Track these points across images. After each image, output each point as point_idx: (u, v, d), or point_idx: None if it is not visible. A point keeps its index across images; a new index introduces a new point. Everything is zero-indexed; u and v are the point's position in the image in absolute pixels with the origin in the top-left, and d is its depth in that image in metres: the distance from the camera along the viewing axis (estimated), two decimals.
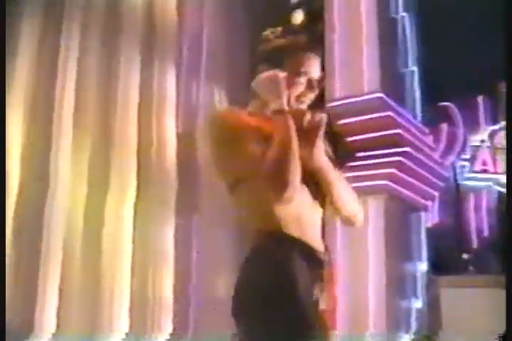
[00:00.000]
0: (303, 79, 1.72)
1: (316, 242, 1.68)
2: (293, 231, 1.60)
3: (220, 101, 5.83)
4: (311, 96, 1.76)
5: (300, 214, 1.64)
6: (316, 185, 1.68)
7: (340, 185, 1.73)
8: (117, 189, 5.25)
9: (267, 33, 1.89)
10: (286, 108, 1.62)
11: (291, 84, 1.69)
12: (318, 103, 6.16)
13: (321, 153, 1.67)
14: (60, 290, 5.29)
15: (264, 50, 1.80)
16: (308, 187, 1.67)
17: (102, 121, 5.33)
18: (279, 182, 1.52)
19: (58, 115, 5.33)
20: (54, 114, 5.35)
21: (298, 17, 7.21)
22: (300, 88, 1.73)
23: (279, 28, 1.90)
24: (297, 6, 7.51)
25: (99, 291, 5.21)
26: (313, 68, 1.75)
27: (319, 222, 1.74)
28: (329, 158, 1.74)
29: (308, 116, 1.67)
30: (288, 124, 1.59)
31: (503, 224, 9.06)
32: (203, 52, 6.25)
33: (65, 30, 5.50)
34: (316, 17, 7.18)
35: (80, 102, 5.36)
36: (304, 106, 1.74)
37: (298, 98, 1.72)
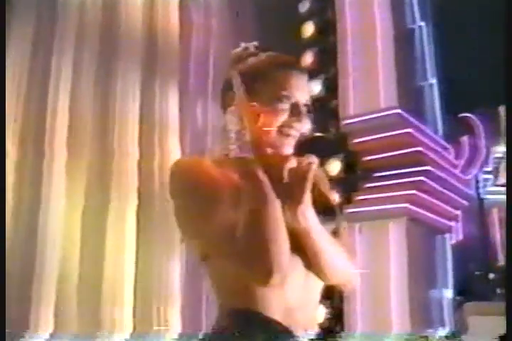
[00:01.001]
0: (285, 105, 1.33)
1: (309, 326, 1.30)
2: (275, 314, 1.23)
3: None
4: (298, 127, 1.34)
5: (288, 295, 1.26)
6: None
7: (331, 250, 1.32)
8: (117, 218, 4.96)
9: (239, 50, 1.47)
10: (247, 154, 1.23)
11: (269, 112, 1.31)
12: (331, 121, 5.80)
13: (309, 212, 1.26)
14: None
15: (235, 71, 1.41)
16: (299, 252, 1.28)
17: (99, 146, 5.05)
18: (259, 269, 1.15)
19: (50, 140, 5.04)
20: (46, 137, 5.07)
21: (308, 29, 6.86)
22: (282, 117, 1.32)
23: (254, 43, 1.49)
24: (308, 17, 7.18)
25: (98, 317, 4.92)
26: (299, 90, 1.36)
27: (317, 297, 1.36)
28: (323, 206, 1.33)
29: (291, 163, 1.29)
30: (258, 179, 1.21)
31: None
32: (209, 71, 5.95)
33: (56, 49, 5.21)
34: (328, 28, 6.84)
35: (75, 125, 5.07)
36: (290, 141, 1.34)
37: (281, 130, 1.33)
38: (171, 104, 5.33)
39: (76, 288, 5.03)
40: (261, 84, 1.34)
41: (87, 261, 5.05)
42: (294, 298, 1.26)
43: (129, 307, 5.08)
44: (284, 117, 1.32)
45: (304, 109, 1.35)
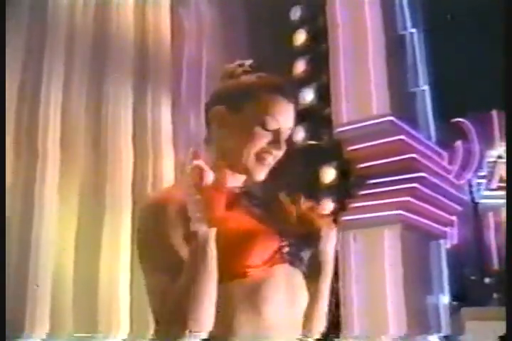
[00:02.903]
0: (267, 132, 1.29)
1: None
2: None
3: None
4: (275, 154, 1.31)
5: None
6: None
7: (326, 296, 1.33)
8: (111, 229, 4.92)
9: (233, 65, 1.43)
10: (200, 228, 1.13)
11: (249, 136, 1.28)
12: (324, 129, 5.80)
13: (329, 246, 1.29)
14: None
15: (224, 86, 1.38)
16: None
17: (92, 155, 5.03)
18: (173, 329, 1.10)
19: (43, 150, 5.01)
20: (38, 148, 5.04)
21: (300, 37, 6.88)
22: (261, 142, 1.29)
23: (250, 61, 1.44)
24: (299, 25, 7.19)
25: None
26: (284, 117, 1.32)
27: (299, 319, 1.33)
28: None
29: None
30: (205, 255, 1.12)
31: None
32: (202, 79, 5.94)
33: (47, 58, 5.17)
34: (319, 36, 6.86)
35: (67, 135, 5.04)
36: (265, 168, 1.31)
37: (259, 156, 1.30)
38: (164, 112, 5.31)
39: (72, 296, 5.00)
40: (246, 104, 1.31)
41: (82, 269, 5.02)
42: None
43: (125, 314, 5.05)
44: (263, 142, 1.29)
45: (284, 137, 1.31)
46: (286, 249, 1.23)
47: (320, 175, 5.76)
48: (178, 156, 5.35)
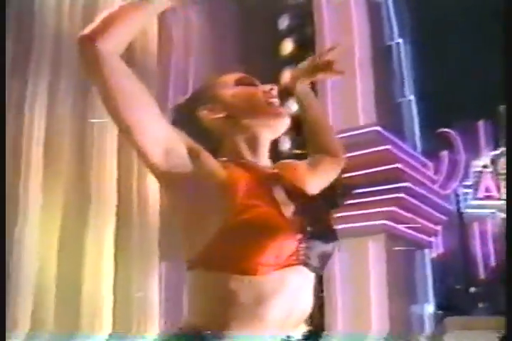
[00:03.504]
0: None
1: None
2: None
3: None
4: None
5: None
6: None
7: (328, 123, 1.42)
8: (96, 227, 4.85)
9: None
10: None
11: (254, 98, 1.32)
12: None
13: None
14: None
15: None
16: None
17: (76, 170, 4.98)
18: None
19: (27, 161, 4.96)
20: (22, 160, 4.99)
21: (287, 46, 6.91)
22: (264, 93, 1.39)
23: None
24: (287, 34, 7.22)
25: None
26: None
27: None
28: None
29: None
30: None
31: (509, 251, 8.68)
32: (189, 88, 5.92)
33: (32, 74, 5.14)
34: (307, 45, 6.89)
35: (52, 138, 4.99)
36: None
37: (269, 104, 1.36)
38: None
39: (54, 294, 4.94)
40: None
41: (66, 267, 4.96)
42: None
43: (108, 312, 4.99)
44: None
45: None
46: (303, 252, 1.20)
47: None
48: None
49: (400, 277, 5.88)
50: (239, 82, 1.27)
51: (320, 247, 1.25)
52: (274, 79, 6.34)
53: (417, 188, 6.24)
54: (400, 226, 5.91)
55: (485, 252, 8.68)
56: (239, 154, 1.21)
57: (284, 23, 7.24)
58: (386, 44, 7.10)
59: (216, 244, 1.08)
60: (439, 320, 6.42)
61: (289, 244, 1.18)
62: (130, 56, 5.53)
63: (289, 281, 1.16)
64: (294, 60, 6.68)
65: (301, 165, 1.36)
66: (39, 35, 5.45)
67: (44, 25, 5.48)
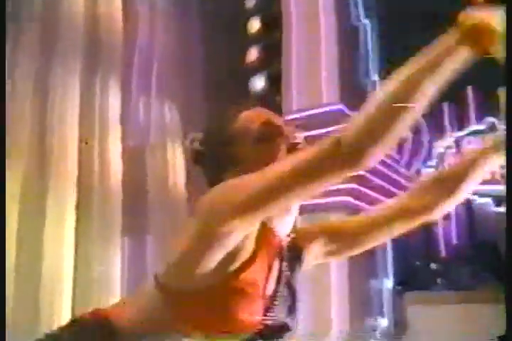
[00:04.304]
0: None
1: None
2: None
3: (171, 119, 5.51)
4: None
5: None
6: None
7: None
8: (56, 212, 4.85)
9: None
10: None
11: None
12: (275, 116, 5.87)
13: None
14: None
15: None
16: None
17: (37, 140, 4.96)
18: None
19: None
20: None
21: (254, 25, 6.93)
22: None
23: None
24: (254, 13, 7.24)
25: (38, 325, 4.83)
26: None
27: None
28: None
29: None
30: None
31: (472, 232, 8.94)
32: (153, 66, 5.92)
33: None
34: (273, 24, 6.92)
35: (12, 121, 4.94)
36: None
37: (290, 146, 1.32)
38: (112, 99, 5.27)
39: (13, 288, 4.92)
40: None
41: (24, 256, 4.95)
42: None
43: (68, 299, 5.02)
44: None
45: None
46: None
47: None
48: (126, 142, 5.34)
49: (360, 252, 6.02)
50: (261, 136, 1.22)
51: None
52: (240, 57, 6.36)
53: (379, 166, 6.37)
54: (361, 203, 6.05)
55: (447, 230, 8.90)
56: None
57: (251, 1, 7.25)
58: (353, 24, 7.17)
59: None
60: (398, 295, 6.61)
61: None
62: (94, 35, 5.50)
63: None
64: (259, 38, 6.73)
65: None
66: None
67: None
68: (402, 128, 1.00)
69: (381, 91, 1.02)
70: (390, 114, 1.00)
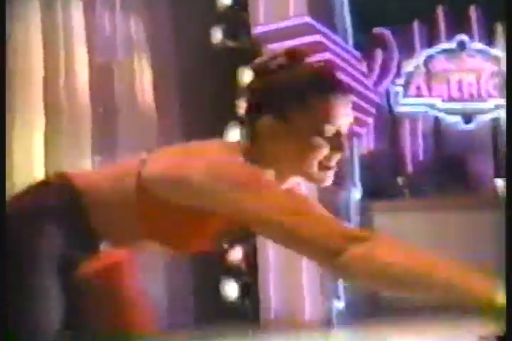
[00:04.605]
0: (327, 139, 1.20)
1: None
2: None
3: (137, 32, 5.45)
4: (338, 157, 1.28)
5: None
6: None
7: None
8: (22, 124, 4.78)
9: (265, 59, 1.19)
10: None
11: (309, 148, 1.20)
12: (242, 30, 5.80)
13: None
14: None
15: (263, 89, 1.21)
16: None
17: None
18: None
19: None
20: None
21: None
22: (323, 151, 1.23)
23: (281, 50, 1.23)
24: None
25: None
26: (343, 118, 1.22)
27: None
28: None
29: None
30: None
31: (439, 148, 9.21)
32: None
33: None
34: None
35: None
36: (330, 174, 1.29)
37: (322, 164, 1.25)
38: (75, 17, 5.09)
39: None
40: (297, 113, 1.19)
41: None
42: None
43: None
44: (325, 151, 1.22)
45: (344, 136, 1.24)
46: None
47: (238, 76, 5.91)
48: (93, 61, 5.27)
49: None
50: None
51: None
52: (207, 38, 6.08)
53: (347, 80, 6.46)
54: None
55: (414, 148, 9.16)
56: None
57: None
58: None
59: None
60: (364, 205, 6.90)
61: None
62: (51, 10, 5.21)
63: None
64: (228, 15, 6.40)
65: None
66: None
67: None
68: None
69: (398, 262, 1.01)
70: (391, 282, 1.03)
